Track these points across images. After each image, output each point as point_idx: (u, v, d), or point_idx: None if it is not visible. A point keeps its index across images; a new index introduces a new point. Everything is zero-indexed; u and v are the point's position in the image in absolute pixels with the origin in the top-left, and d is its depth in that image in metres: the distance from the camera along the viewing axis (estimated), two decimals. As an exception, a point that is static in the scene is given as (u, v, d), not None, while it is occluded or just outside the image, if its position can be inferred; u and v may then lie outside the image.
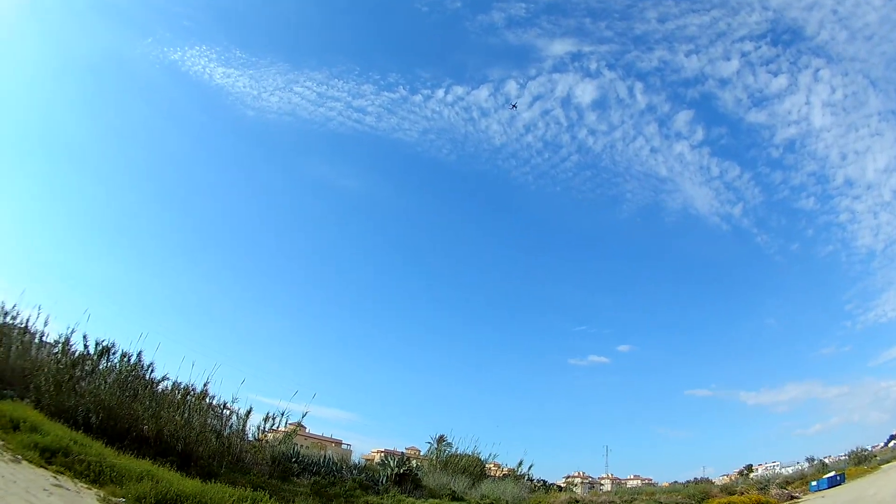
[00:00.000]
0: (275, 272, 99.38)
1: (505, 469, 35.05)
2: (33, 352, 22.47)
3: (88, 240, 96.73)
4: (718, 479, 45.42)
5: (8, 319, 22.71)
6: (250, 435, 24.05)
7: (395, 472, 24.44)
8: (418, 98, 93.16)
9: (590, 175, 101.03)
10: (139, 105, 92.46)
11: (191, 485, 14.63)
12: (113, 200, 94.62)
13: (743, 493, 28.18)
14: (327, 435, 45.01)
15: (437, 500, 22.55)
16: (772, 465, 57.18)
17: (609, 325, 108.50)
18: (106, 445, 16.47)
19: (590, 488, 51.35)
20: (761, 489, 30.77)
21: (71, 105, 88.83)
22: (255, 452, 22.85)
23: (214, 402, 23.09)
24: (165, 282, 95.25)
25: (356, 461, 30.79)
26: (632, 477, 71.07)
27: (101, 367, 21.50)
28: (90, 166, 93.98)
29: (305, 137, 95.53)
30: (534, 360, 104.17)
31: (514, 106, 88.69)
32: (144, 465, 15.47)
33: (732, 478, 48.49)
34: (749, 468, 56.97)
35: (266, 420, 24.28)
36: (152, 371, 22.03)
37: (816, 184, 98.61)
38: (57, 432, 15.65)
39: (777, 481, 35.32)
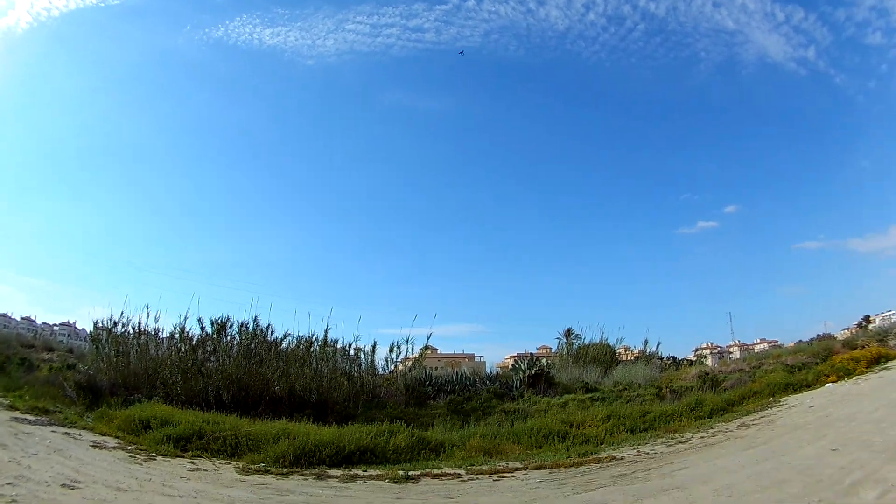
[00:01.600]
0: (375, 208, 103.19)
1: (635, 352, 36.39)
2: (153, 350, 24.44)
3: (186, 228, 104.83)
4: (840, 334, 46.18)
5: (119, 329, 24.97)
6: (381, 369, 25.76)
7: (527, 374, 25.70)
8: (471, 2, 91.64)
9: (660, 41, 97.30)
10: (200, 90, 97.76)
11: (328, 432, 15.83)
12: (209, 186, 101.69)
13: (864, 347, 28.50)
14: (458, 352, 48.47)
15: (570, 395, 23.23)
16: (888, 313, 58.55)
17: (711, 189, 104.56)
18: (240, 417, 18.09)
19: (719, 358, 53.25)
20: (880, 341, 31.22)
21: (136, 107, 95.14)
22: (388, 385, 24.52)
23: (339, 346, 24.76)
24: (271, 247, 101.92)
25: (489, 371, 32.61)
26: (758, 341, 72.94)
27: (222, 343, 23.75)
28: (170, 162, 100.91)
29: (371, 70, 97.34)
30: (645, 239, 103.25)
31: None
32: (280, 425, 16.83)
33: (853, 331, 48.77)
34: (867, 319, 56.82)
35: (392, 351, 25.77)
36: (272, 333, 24.12)
37: (879, 18, 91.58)
38: (189, 419, 17.19)
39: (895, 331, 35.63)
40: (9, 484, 9.45)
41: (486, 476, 13.35)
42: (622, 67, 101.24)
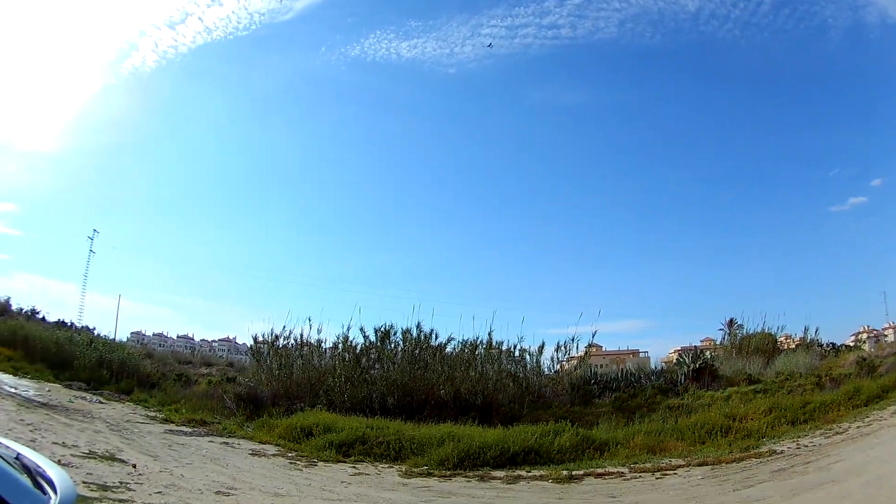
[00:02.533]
0: (532, 206, 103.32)
1: (796, 339, 35.72)
2: (316, 360, 25.66)
3: (346, 240, 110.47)
4: None
5: (281, 342, 26.36)
6: (546, 369, 26.12)
7: (690, 368, 25.86)
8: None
9: (788, 12, 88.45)
10: (345, 106, 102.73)
11: (492, 434, 16.27)
12: (364, 198, 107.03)
13: None
14: (623, 348, 48.50)
15: (734, 388, 23.17)
16: None
17: (857, 163, 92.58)
18: (405, 422, 18.66)
19: (875, 342, 49.04)
20: None
21: (282, 128, 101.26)
22: (554, 385, 24.96)
23: (504, 348, 25.24)
24: (432, 253, 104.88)
25: (654, 367, 32.50)
26: (914, 322, 69.61)
27: (386, 350, 24.65)
28: (323, 176, 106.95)
29: (511, 72, 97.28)
30: (798, 220, 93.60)
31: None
32: (445, 428, 17.34)
33: None
34: None
35: (558, 350, 26.06)
36: (436, 337, 24.78)
37: None
38: (352, 425, 17.93)
39: None
40: (158, 493, 9.80)
41: (649, 474, 13.49)
42: (756, 43, 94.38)
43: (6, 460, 3.60)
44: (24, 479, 3.45)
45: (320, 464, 15.27)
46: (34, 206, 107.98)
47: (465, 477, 14.07)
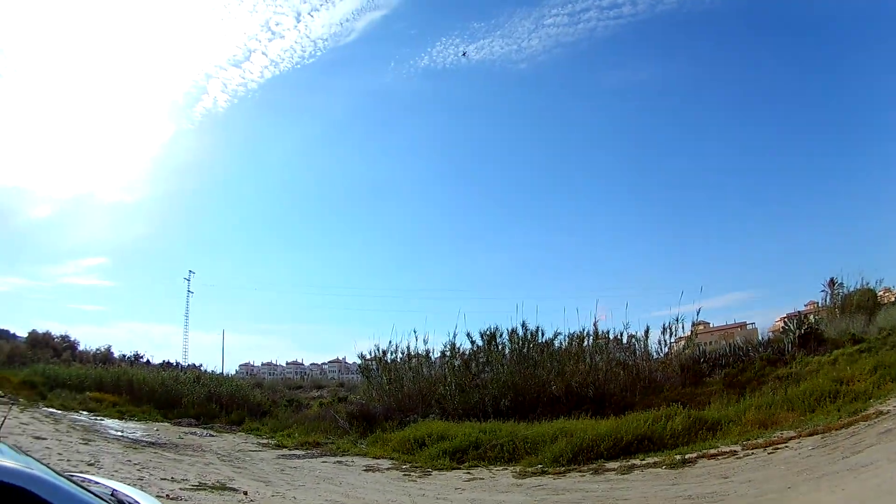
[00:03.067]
0: (626, 188, 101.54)
1: (894, 292, 34.79)
2: (425, 371, 26.38)
3: (442, 249, 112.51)
4: None
5: (389, 356, 27.30)
6: (654, 353, 26.21)
7: (796, 334, 25.56)
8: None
9: None
10: (426, 116, 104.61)
11: (605, 425, 16.54)
12: (455, 205, 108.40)
13: None
14: (729, 322, 47.26)
15: (839, 350, 22.75)
16: None
17: None
18: (518, 422, 19.01)
19: None
20: None
21: (365, 146, 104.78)
22: (663, 368, 24.92)
23: (611, 336, 25.83)
24: (528, 251, 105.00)
25: (761, 338, 31.91)
26: None
27: (493, 353, 25.16)
28: (409, 188, 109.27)
29: (581, 58, 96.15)
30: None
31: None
32: (557, 424, 17.59)
33: None
34: None
35: (665, 332, 26.16)
36: (542, 334, 25.20)
37: None
38: (465, 431, 18.33)
39: None
40: None
41: (761, 449, 13.48)
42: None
43: (100, 496, 4.01)
44: None
45: (434, 472, 15.60)
46: (124, 255, 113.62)
47: (579, 472, 14.19)
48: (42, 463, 4.42)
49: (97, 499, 3.87)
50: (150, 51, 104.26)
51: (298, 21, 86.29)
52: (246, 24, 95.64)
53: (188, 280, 62.88)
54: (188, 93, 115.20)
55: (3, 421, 5.72)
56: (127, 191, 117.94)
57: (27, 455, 4.53)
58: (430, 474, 15.47)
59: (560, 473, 14.15)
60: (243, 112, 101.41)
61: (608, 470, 13.97)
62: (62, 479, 3.93)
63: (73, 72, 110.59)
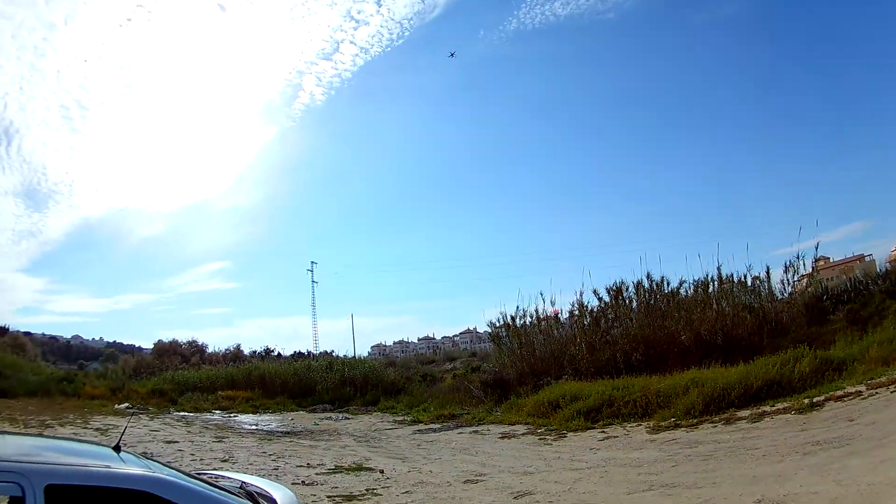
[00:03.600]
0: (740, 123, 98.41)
1: None
2: (555, 332, 27.04)
3: (562, 209, 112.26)
4: None
5: (519, 321, 27.93)
6: (778, 294, 26.16)
7: None
8: None
9: None
10: (524, 80, 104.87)
11: (734, 373, 17.00)
12: (576, 164, 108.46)
13: None
14: (848, 255, 45.17)
15: None
16: None
17: None
18: (650, 376, 19.46)
19: None
20: None
21: (470, 117, 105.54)
22: (788, 309, 24.88)
23: (735, 280, 25.69)
24: (650, 198, 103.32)
25: (879, 270, 31.25)
26: None
27: (621, 307, 25.78)
28: (524, 152, 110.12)
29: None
30: None
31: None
32: (689, 375, 18.10)
33: None
34: None
35: (787, 271, 26.16)
36: (668, 284, 25.61)
37: None
38: (598, 389, 18.89)
39: None
40: (405, 493, 10.81)
41: (885, 388, 13.56)
42: None
43: (229, 490, 4.43)
44: (243, 503, 4.23)
45: (569, 434, 16.12)
46: (244, 256, 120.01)
47: (711, 422, 14.54)
48: (170, 466, 4.90)
49: (224, 493, 4.25)
50: (238, 59, 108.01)
51: (380, 6, 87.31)
52: (328, 17, 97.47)
53: (311, 271, 65.43)
54: (283, 92, 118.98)
55: (124, 430, 6.63)
56: (239, 195, 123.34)
57: (152, 460, 5.00)
58: (564, 436, 15.98)
59: (692, 426, 14.52)
60: (341, 102, 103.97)
61: (739, 419, 14.27)
62: (188, 478, 4.35)
63: (170, 91, 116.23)
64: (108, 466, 3.92)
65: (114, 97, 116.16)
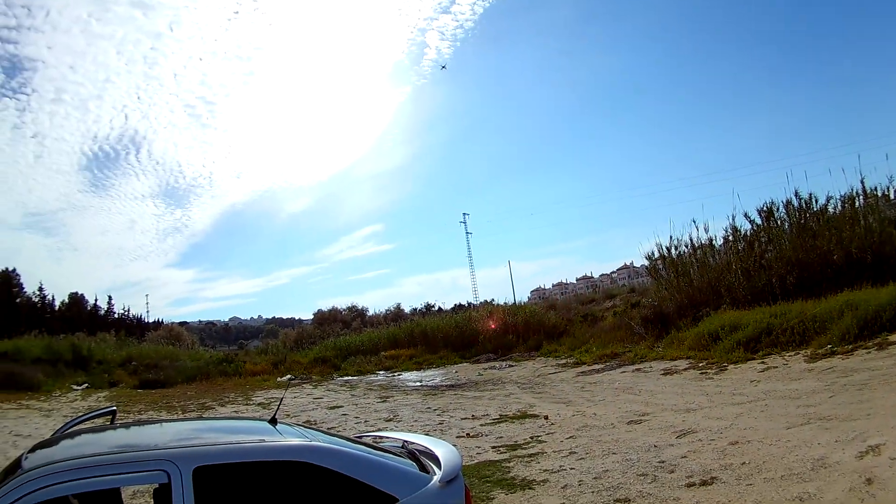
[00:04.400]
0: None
1: None
2: (710, 260, 26.86)
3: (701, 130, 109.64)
4: None
5: (674, 252, 28.03)
6: None
7: None
8: None
9: None
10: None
11: (885, 293, 16.85)
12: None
13: None
14: None
15: None
16: None
17: None
18: (805, 300, 19.53)
19: None
20: None
21: (609, 51, 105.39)
22: None
23: (878, 193, 24.82)
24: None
25: None
26: None
27: (773, 229, 25.59)
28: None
29: None
30: None
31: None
32: (841, 298, 18.04)
33: None
34: None
35: None
36: (816, 201, 25.14)
37: None
38: (756, 318, 19.15)
39: None
40: (569, 438, 11.13)
41: None
42: None
43: (390, 451, 4.49)
44: (407, 464, 4.21)
45: (729, 367, 16.49)
46: (396, 217, 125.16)
47: (865, 348, 14.56)
48: (329, 432, 4.97)
49: (385, 454, 4.28)
50: (357, 27, 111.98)
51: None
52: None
53: (464, 223, 67.49)
54: (409, 52, 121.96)
55: (280, 402, 6.52)
56: (381, 158, 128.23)
57: (311, 428, 5.14)
58: (725, 369, 16.36)
59: (847, 353, 14.59)
60: (468, 53, 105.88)
61: (891, 343, 14.28)
62: (347, 443, 4.40)
63: (293, 71, 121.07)
64: (263, 440, 4.05)
65: (238, 87, 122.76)
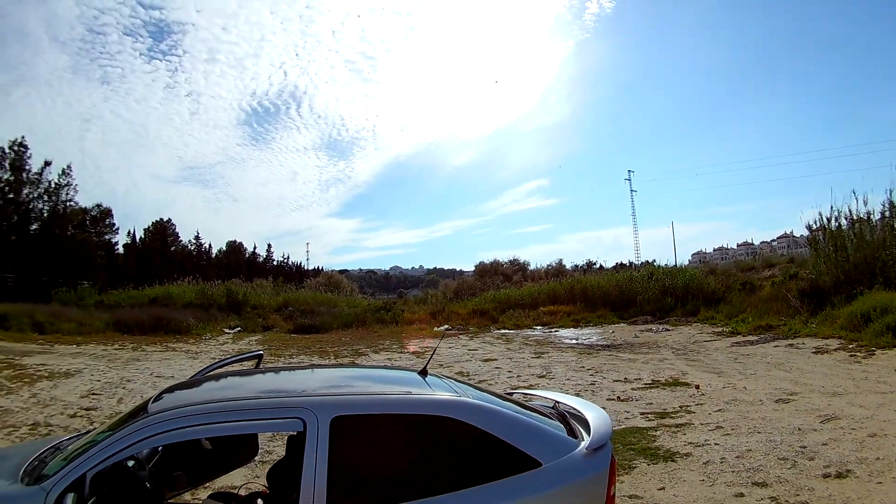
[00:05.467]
0: None
1: None
2: (867, 236, 25.55)
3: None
4: None
5: (833, 223, 26.95)
6: None
7: None
8: None
9: None
10: None
11: None
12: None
13: None
14: None
15: None
16: None
17: None
18: None
19: None
20: None
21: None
22: None
23: None
24: None
25: None
26: None
27: None
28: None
29: None
30: None
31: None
32: None
33: None
34: None
35: None
36: None
37: None
38: None
39: None
40: (718, 411, 11.13)
41: None
42: None
43: (539, 411, 4.39)
44: (555, 427, 4.10)
45: (877, 352, 16.05)
46: (561, 172, 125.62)
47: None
48: (479, 388, 4.81)
49: (535, 415, 4.20)
50: None
51: None
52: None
53: (629, 180, 67.56)
54: (571, 5, 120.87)
55: (432, 354, 6.22)
56: (546, 113, 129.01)
57: (462, 382, 4.88)
58: (873, 354, 16.00)
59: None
60: (631, 5, 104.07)
61: None
62: (496, 399, 4.30)
63: (455, 25, 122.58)
64: (409, 392, 4.05)
65: (399, 42, 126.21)
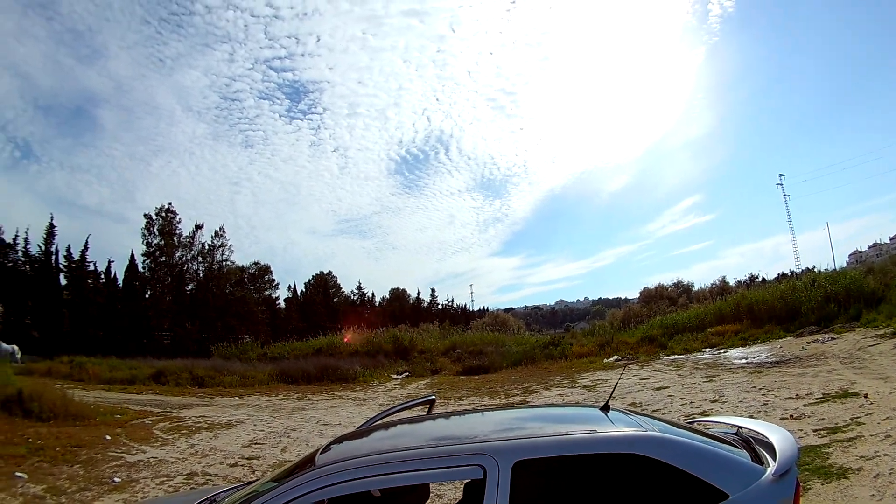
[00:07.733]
0: None
1: None
2: None
3: None
4: None
5: None
6: None
7: None
8: None
9: None
10: None
11: None
12: None
13: None
14: None
15: None
16: None
17: None
18: None
19: None
20: None
21: None
22: None
23: None
24: None
25: None
26: None
27: None
28: None
29: None
30: None
31: None
32: None
33: None
34: None
35: None
36: None
37: None
38: None
39: None
40: (886, 419, 10.67)
41: None
42: None
43: (722, 439, 4.14)
44: (740, 455, 3.87)
45: None
46: (714, 184, 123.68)
47: None
48: (659, 417, 4.65)
49: (721, 444, 3.96)
50: None
51: None
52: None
53: (780, 185, 65.84)
54: (693, 11, 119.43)
55: (615, 387, 6.12)
56: (691, 124, 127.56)
57: (642, 414, 4.62)
58: None
59: None
60: (753, 1, 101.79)
61: None
62: (681, 431, 4.07)
63: (586, 49, 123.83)
64: (594, 431, 3.83)
65: (535, 73, 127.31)
